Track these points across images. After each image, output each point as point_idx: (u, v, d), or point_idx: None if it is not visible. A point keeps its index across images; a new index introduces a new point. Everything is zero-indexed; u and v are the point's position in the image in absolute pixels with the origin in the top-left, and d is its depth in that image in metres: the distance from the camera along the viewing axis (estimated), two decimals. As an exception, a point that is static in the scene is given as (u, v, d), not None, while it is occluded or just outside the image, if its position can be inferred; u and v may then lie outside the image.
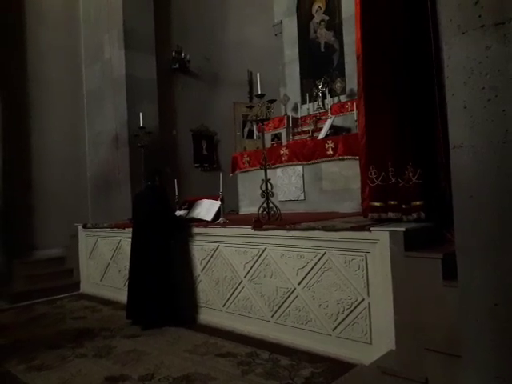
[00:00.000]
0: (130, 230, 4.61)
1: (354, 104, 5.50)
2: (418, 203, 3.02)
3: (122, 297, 4.95)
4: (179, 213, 4.84)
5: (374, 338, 2.95)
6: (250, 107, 4.53)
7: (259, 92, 4.10)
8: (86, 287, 5.99)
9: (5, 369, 3.30)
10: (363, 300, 3.01)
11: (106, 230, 5.65)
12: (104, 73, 7.07)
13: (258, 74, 4.18)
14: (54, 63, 6.89)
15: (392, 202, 3.16)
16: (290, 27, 7.08)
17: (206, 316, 4.21)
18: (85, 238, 6.07)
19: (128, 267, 4.58)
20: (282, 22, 7.28)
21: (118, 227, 5.35)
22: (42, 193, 6.58)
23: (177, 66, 7.79)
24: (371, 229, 2.94)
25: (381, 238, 2.87)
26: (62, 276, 6.19)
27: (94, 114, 7.23)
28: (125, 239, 5.14)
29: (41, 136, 6.68)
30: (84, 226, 6.07)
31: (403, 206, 3.10)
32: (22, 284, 5.79)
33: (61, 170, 6.80)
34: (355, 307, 3.05)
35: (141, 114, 5.70)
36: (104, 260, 5.65)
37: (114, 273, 5.47)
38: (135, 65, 6.86)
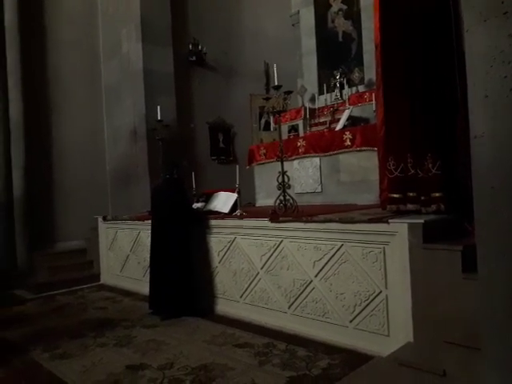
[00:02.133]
0: (149, 222, 4.67)
1: (373, 94, 5.41)
2: (437, 195, 2.97)
3: (142, 288, 5.05)
4: (197, 205, 4.88)
5: (392, 330, 2.93)
6: (267, 99, 4.51)
7: (276, 83, 4.07)
8: (106, 278, 6.12)
9: (30, 357, 3.40)
10: (381, 292, 2.99)
11: (125, 222, 5.74)
12: (122, 67, 7.14)
13: (275, 66, 4.15)
14: (73, 59, 6.99)
15: (411, 194, 3.12)
16: (308, 17, 7.00)
17: (223, 307, 4.25)
18: (105, 231, 6.18)
19: (147, 259, 4.66)
20: (299, 12, 7.19)
21: (138, 219, 5.43)
22: (63, 186, 6.73)
23: (194, 58, 7.80)
24: (389, 221, 2.91)
25: (399, 230, 2.84)
26: (82, 267, 6.33)
27: (113, 108, 7.32)
28: (144, 231, 5.22)
29: (61, 131, 6.81)
30: (104, 219, 6.18)
31: (422, 198, 3.06)
32: (44, 275, 5.95)
33: (81, 164, 6.92)
34: (373, 299, 3.04)
35: (158, 107, 5.74)
36: (124, 252, 5.75)
37: (133, 264, 5.56)
38: (152, 58, 6.90)
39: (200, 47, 7.83)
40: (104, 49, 7.44)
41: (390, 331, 2.95)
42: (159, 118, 5.69)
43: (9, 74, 6.08)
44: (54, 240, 6.54)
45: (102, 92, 7.45)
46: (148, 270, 4.58)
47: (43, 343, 3.66)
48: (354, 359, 2.92)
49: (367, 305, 3.07)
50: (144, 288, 4.84)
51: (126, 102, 7.06)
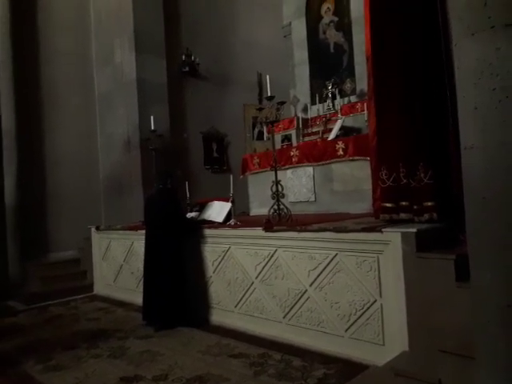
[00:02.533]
0: (142, 231, 4.66)
1: (365, 104, 5.49)
2: (429, 204, 3.01)
3: (135, 298, 5.01)
4: (190, 214, 4.88)
5: (387, 340, 2.95)
6: (260, 109, 4.55)
7: (269, 94, 4.11)
8: (99, 289, 6.07)
9: (22, 369, 3.36)
10: (375, 301, 3.01)
11: (118, 232, 5.72)
12: (115, 76, 7.15)
13: (268, 76, 4.19)
14: (66, 67, 6.99)
15: (403, 203, 3.16)
16: (299, 28, 7.09)
17: (218, 317, 4.24)
18: (98, 240, 6.15)
19: (141, 269, 4.63)
20: (291, 23, 7.29)
21: (131, 229, 5.41)
22: (56, 195, 6.68)
23: (187, 69, 7.84)
24: (383, 230, 2.94)
25: (392, 239, 2.87)
26: (76, 278, 6.27)
27: (106, 118, 7.32)
28: (137, 241, 5.20)
29: (54, 139, 6.79)
30: (97, 228, 6.15)
31: (415, 207, 3.09)
32: (37, 286, 5.89)
33: (74, 173, 6.89)
34: (367, 308, 3.05)
35: (152, 117, 5.76)
36: (117, 262, 5.72)
37: (126, 274, 5.53)
38: (146, 68, 6.93)
39: (193, 58, 7.88)
40: (97, 58, 7.45)
41: (385, 340, 2.96)
42: (153, 128, 5.71)
43: (1, 83, 6.06)
44: (47, 250, 6.49)
45: (95, 101, 7.44)
46: (141, 280, 4.56)
47: (36, 355, 3.62)
48: (350, 369, 2.93)
49: (362, 314, 3.08)
50: (137, 298, 4.81)
51: (120, 111, 7.07)
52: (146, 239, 4.46)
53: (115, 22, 7.12)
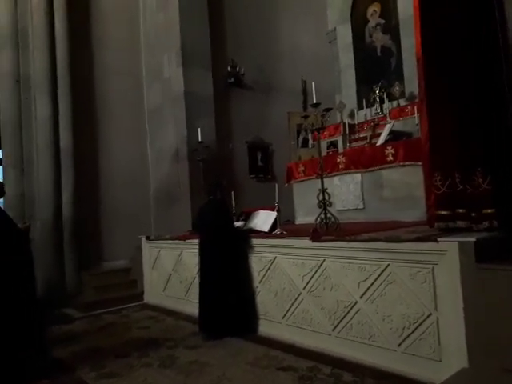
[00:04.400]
0: (191, 241, 4.72)
1: (415, 107, 5.30)
2: (489, 211, 2.81)
3: (184, 307, 5.08)
4: (236, 224, 4.89)
5: (444, 356, 2.77)
6: (305, 116, 4.49)
7: (314, 101, 4.06)
8: (149, 297, 6.21)
9: (77, 375, 3.48)
10: (430, 314, 2.84)
11: (167, 241, 5.83)
12: (164, 91, 7.37)
13: (313, 83, 4.14)
14: (118, 85, 7.30)
15: (460, 211, 2.97)
16: (345, 33, 7.01)
17: (265, 328, 4.18)
18: (148, 250, 6.31)
19: (189, 278, 4.69)
20: (335, 28, 7.23)
21: (179, 239, 5.50)
22: (109, 208, 6.96)
23: (232, 80, 7.95)
24: (438, 239, 2.77)
25: (449, 249, 2.70)
26: (127, 287, 6.46)
27: (156, 131, 7.55)
28: (186, 250, 5.28)
29: (108, 155, 7.09)
30: (147, 238, 6.32)
31: (473, 215, 2.90)
32: (91, 294, 6.12)
33: (126, 187, 7.14)
34: (422, 322, 2.89)
35: (199, 129, 5.87)
36: (166, 271, 5.83)
37: (175, 283, 5.62)
38: (193, 82, 7.09)
39: (238, 68, 7.98)
40: (147, 75, 7.73)
41: (441, 356, 2.78)
42: (200, 140, 5.81)
43: (59, 101, 6.42)
44: (100, 259, 6.75)
45: (145, 116, 7.71)
46: (189, 289, 4.60)
47: (90, 362, 3.74)
48: (404, 386, 2.77)
49: (416, 328, 2.92)
50: (186, 307, 4.87)
51: (169, 124, 7.27)
52: (200, 250, 4.48)
53: (163, 38, 7.36)
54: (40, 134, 6.25)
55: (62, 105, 6.42)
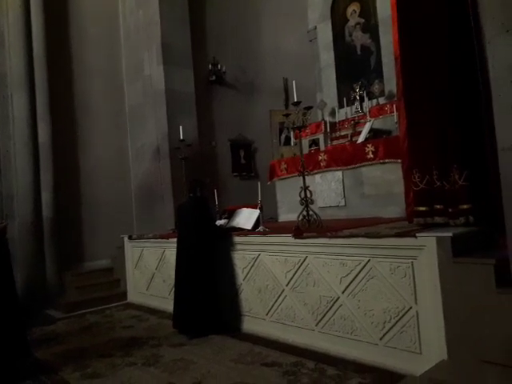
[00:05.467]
0: (174, 240, 4.71)
1: (394, 106, 5.39)
2: (465, 207, 2.90)
3: (168, 306, 5.06)
4: (219, 222, 4.91)
5: (424, 348, 2.85)
6: (287, 115, 4.53)
7: (295, 99, 4.10)
8: (132, 297, 6.18)
9: (60, 376, 3.45)
10: (411, 308, 2.92)
11: (150, 240, 5.81)
12: (145, 89, 7.32)
13: (294, 82, 4.18)
14: (97, 83, 7.21)
15: (438, 206, 3.06)
16: (325, 32, 7.07)
17: (249, 325, 4.22)
18: (131, 249, 6.27)
19: (172, 276, 4.68)
20: (316, 27, 7.28)
21: (162, 238, 5.48)
22: (90, 206, 6.87)
23: (214, 78, 7.94)
24: (417, 235, 2.85)
25: (427, 243, 2.78)
26: (110, 286, 6.41)
27: (137, 129, 7.49)
28: (168, 249, 5.26)
29: (88, 152, 7.00)
30: (130, 238, 6.27)
31: (450, 210, 2.99)
32: (73, 294, 6.05)
33: (107, 184, 7.07)
34: (402, 316, 2.96)
35: (181, 126, 5.85)
36: (149, 270, 5.81)
37: (159, 282, 5.60)
38: (174, 79, 7.05)
39: (219, 66, 7.97)
40: (127, 72, 7.65)
41: (422, 349, 2.86)
42: (181, 138, 5.79)
43: (37, 99, 6.30)
44: (82, 259, 6.67)
45: (126, 113, 7.62)
46: (173, 288, 4.60)
47: (73, 362, 3.71)
48: (386, 378, 2.85)
49: (397, 321, 2.99)
50: (170, 306, 4.83)
51: (149, 122, 7.22)
52: (178, 247, 4.51)
53: (144, 36, 7.30)
54: (18, 132, 6.13)
55: (39, 103, 6.31)
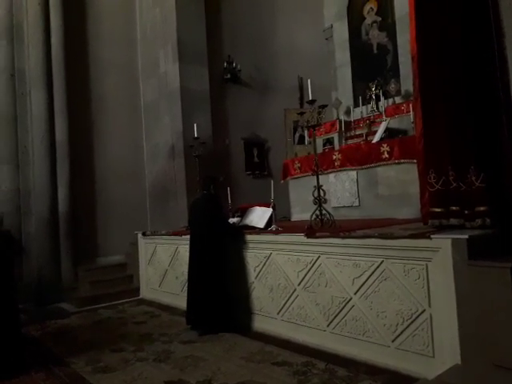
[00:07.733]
0: (187, 237, 4.74)
1: (410, 105, 5.32)
2: (482, 209, 2.84)
3: (179, 302, 5.10)
4: (232, 220, 4.91)
5: (437, 351, 2.80)
6: (301, 114, 4.50)
7: (310, 98, 4.07)
8: (145, 293, 6.23)
9: (73, 369, 3.49)
10: (424, 311, 2.88)
11: (163, 237, 5.85)
12: (160, 86, 7.37)
13: (309, 80, 4.15)
14: (113, 80, 7.29)
15: (454, 208, 3.00)
16: (341, 30, 7.01)
17: (260, 323, 4.21)
18: (144, 246, 6.32)
19: (185, 273, 4.71)
20: (332, 25, 7.23)
21: (175, 234, 5.52)
22: (105, 203, 6.96)
23: (228, 76, 7.95)
24: (432, 236, 2.80)
25: (442, 245, 2.73)
26: (123, 282, 6.48)
27: (152, 127, 7.55)
28: (181, 246, 5.29)
29: (103, 149, 7.08)
30: (143, 234, 6.32)
31: (466, 212, 2.93)
32: (87, 289, 6.13)
33: (122, 181, 7.15)
34: (415, 318, 2.92)
35: (195, 124, 5.87)
36: (162, 266, 5.85)
37: (171, 279, 5.63)
38: (189, 77, 7.09)
39: (234, 65, 7.97)
40: (143, 70, 7.71)
41: (434, 352, 2.82)
42: (196, 135, 5.81)
43: (55, 96, 6.39)
44: (96, 255, 6.76)
45: (141, 111, 7.70)
46: (186, 285, 4.62)
47: (86, 356, 3.76)
48: (397, 381, 2.82)
49: (410, 324, 2.95)
50: (182, 303, 4.87)
51: (164, 120, 7.27)
52: (191, 244, 4.52)
53: (160, 33, 7.35)
54: (35, 128, 6.24)
55: (57, 99, 6.41)
